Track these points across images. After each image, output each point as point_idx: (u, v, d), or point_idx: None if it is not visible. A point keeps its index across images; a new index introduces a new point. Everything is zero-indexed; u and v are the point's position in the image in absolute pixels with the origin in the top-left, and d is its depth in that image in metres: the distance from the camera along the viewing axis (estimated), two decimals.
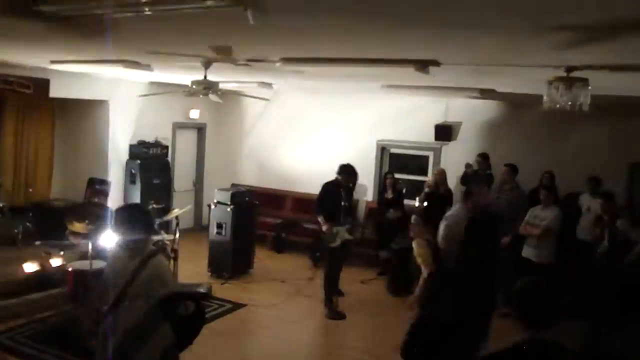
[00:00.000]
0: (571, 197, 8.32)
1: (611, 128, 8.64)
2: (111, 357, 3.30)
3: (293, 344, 6.49)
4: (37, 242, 7.17)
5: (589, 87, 4.51)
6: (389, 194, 9.34)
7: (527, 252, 7.01)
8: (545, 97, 4.62)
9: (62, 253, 6.89)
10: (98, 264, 6.38)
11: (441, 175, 8.91)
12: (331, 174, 7.55)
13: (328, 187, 7.49)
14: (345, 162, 7.64)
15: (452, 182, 9.07)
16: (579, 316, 6.71)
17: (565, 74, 4.53)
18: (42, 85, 8.25)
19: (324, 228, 7.31)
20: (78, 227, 6.58)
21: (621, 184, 8.44)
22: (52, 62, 6.90)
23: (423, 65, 4.81)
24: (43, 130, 9.80)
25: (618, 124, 8.61)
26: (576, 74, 4.52)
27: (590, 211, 7.52)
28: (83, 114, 9.92)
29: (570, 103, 4.51)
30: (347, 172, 7.50)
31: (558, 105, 4.51)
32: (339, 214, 7.35)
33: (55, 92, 8.49)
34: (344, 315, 7.28)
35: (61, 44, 5.15)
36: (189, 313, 3.51)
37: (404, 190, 9.36)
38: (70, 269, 6.24)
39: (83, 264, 6.34)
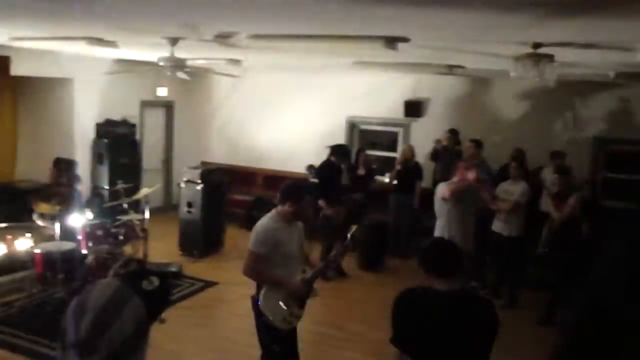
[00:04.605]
0: (538, 171, 8.46)
1: (576, 103, 8.79)
2: (83, 336, 3.23)
3: None
4: (2, 225, 7.03)
5: (555, 64, 4.58)
6: (361, 171, 9.35)
7: (497, 226, 7.11)
8: (512, 73, 4.68)
9: (28, 235, 6.77)
10: (66, 246, 6.32)
11: (410, 151, 8.98)
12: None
13: (324, 171, 7.84)
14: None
15: (421, 158, 9.15)
16: (543, 287, 6.91)
17: (532, 50, 4.58)
18: (3, 63, 8.00)
19: (329, 212, 7.67)
20: (44, 208, 6.47)
21: (586, 158, 8.63)
22: (13, 38, 6.69)
23: (392, 41, 4.80)
24: (5, 110, 9.53)
25: (583, 99, 8.76)
26: (542, 50, 4.57)
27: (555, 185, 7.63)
28: (47, 92, 9.66)
29: (537, 79, 4.59)
30: (343, 153, 8.00)
31: (525, 81, 4.58)
32: (338, 195, 7.81)
33: (17, 70, 8.23)
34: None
35: (22, 19, 4.99)
36: (152, 288, 3.47)
37: (374, 167, 9.39)
38: (38, 251, 6.15)
39: (51, 246, 6.26)
